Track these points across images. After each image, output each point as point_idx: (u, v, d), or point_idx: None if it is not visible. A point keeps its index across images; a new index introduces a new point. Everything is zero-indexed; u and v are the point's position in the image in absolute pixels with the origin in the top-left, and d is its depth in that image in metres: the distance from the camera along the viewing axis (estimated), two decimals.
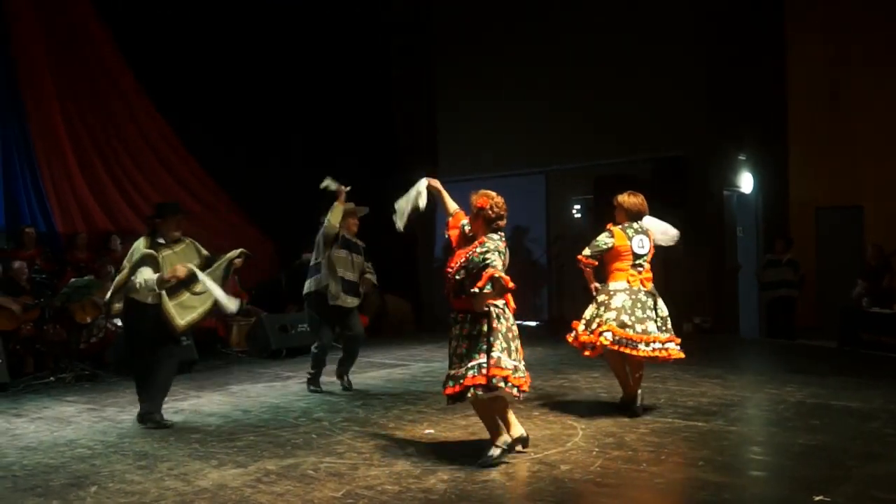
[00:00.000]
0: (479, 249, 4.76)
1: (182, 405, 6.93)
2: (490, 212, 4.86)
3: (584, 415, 6.06)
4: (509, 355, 4.73)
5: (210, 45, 11.50)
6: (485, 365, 4.65)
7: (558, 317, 13.39)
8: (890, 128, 12.00)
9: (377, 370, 8.75)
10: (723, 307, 12.03)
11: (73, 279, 8.79)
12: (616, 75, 12.30)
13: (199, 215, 11.82)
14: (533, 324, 13.28)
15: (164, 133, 11.58)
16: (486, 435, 4.94)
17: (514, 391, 4.74)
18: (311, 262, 7.36)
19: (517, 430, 4.99)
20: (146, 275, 5.81)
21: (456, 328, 4.84)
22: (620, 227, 6.24)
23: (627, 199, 6.40)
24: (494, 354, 4.67)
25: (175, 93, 11.32)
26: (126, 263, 6.00)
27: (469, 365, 4.70)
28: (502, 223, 4.93)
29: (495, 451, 4.76)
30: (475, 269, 4.67)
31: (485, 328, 4.72)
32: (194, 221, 11.71)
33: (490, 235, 4.84)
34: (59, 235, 10.38)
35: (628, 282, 6.02)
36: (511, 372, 4.69)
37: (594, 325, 6.00)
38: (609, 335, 5.81)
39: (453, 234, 5.18)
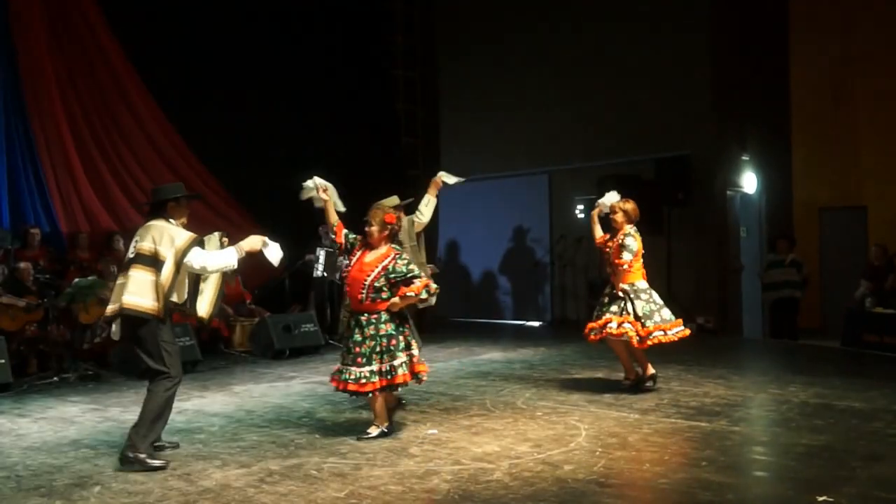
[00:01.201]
0: (400, 261, 5.46)
1: (186, 405, 6.93)
2: (396, 226, 5.65)
3: (587, 415, 6.06)
4: (419, 350, 5.59)
5: (214, 44, 11.48)
6: (408, 362, 5.39)
7: (561, 317, 13.39)
8: (894, 128, 11.98)
9: None
10: (726, 308, 12.02)
11: (76, 279, 8.80)
12: (619, 75, 12.31)
13: (201, 214, 11.85)
14: (536, 324, 13.29)
15: (168, 133, 11.58)
16: (487, 436, 4.97)
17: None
18: None
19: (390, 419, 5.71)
20: (218, 259, 5.17)
21: (370, 329, 5.38)
22: (634, 230, 6.94)
23: (629, 205, 7.03)
24: (415, 352, 5.48)
25: (179, 92, 11.31)
26: (168, 257, 4.98)
27: (395, 363, 5.35)
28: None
29: (374, 431, 5.51)
30: (400, 277, 5.40)
31: (401, 328, 5.45)
32: (197, 221, 11.79)
33: (395, 246, 5.61)
34: (62, 235, 10.39)
35: (644, 279, 6.95)
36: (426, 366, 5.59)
37: (655, 321, 6.76)
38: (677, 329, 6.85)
39: (340, 241, 5.86)
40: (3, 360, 7.80)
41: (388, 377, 5.34)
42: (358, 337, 5.39)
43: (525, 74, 13.45)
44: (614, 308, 6.83)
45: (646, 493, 4.20)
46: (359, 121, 12.93)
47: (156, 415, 5.03)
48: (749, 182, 12.82)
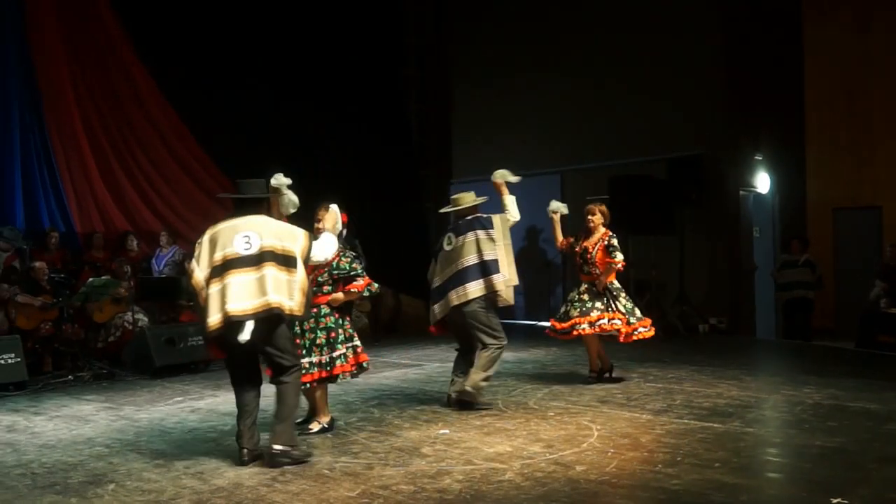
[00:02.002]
0: (344, 258, 5.67)
1: (198, 404, 6.97)
2: (343, 227, 5.77)
3: (599, 415, 6.05)
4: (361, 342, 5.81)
5: (226, 44, 11.55)
6: (351, 353, 5.64)
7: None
8: None
9: (392, 370, 8.77)
10: (739, 308, 11.97)
11: (91, 279, 8.87)
12: (632, 75, 12.27)
13: (216, 217, 11.89)
14: (548, 324, 13.25)
15: (182, 134, 11.65)
16: (499, 436, 5.00)
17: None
18: (479, 259, 6.38)
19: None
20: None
21: (310, 321, 5.52)
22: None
23: (604, 207, 7.54)
24: (358, 342, 5.73)
25: (192, 93, 11.38)
26: (298, 255, 4.92)
27: (335, 355, 5.55)
28: None
29: (315, 426, 5.68)
30: (343, 274, 5.65)
31: (342, 322, 5.67)
32: (211, 222, 11.84)
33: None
34: (77, 235, 10.46)
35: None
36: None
37: (637, 318, 7.20)
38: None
39: None
40: (18, 359, 7.88)
41: (328, 369, 5.52)
42: (298, 329, 5.45)
43: (537, 74, 13.42)
44: (599, 305, 7.15)
45: (658, 495, 4.19)
46: (371, 121, 12.95)
47: (294, 405, 5.10)
48: (762, 182, 12.75)
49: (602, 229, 7.37)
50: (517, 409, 6.40)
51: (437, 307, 6.54)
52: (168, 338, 8.70)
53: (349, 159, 12.25)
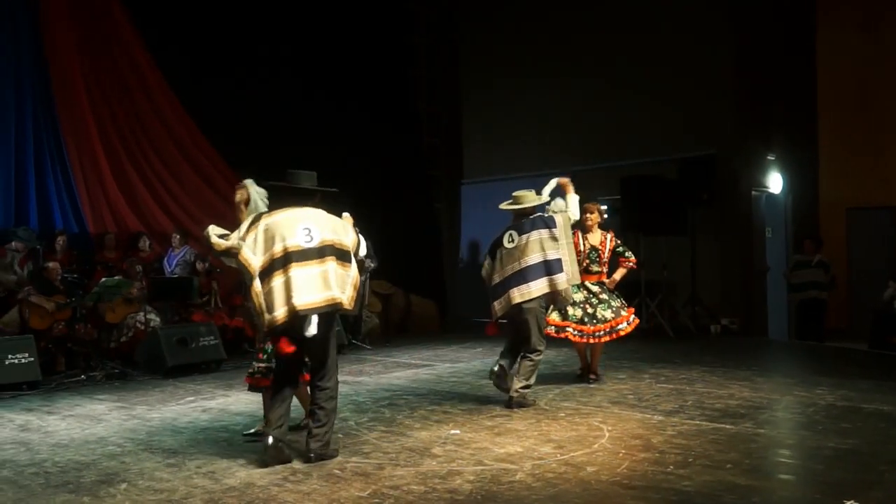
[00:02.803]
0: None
1: (210, 404, 7.00)
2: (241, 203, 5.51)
3: (610, 416, 6.04)
4: None
5: (236, 44, 11.59)
6: None
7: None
8: None
9: (403, 370, 8.77)
10: (751, 309, 11.91)
11: (103, 279, 8.92)
12: (643, 74, 12.23)
13: (227, 217, 11.93)
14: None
15: (193, 134, 11.69)
16: (510, 437, 5.03)
17: None
18: (543, 258, 6.37)
19: None
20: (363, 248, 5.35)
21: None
22: None
23: (602, 208, 7.75)
24: None
25: (204, 93, 11.42)
26: (350, 250, 5.01)
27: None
28: None
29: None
30: None
31: None
32: (222, 223, 11.88)
33: None
34: (90, 236, 10.52)
35: None
36: None
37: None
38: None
39: None
40: (32, 359, 7.92)
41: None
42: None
43: (547, 75, 13.41)
44: (616, 304, 7.35)
45: (669, 496, 4.17)
46: (380, 121, 12.97)
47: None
48: (775, 182, 12.69)
49: (599, 229, 7.52)
50: (528, 409, 6.39)
51: (497, 304, 6.52)
52: (180, 338, 8.73)
53: (359, 159, 12.26)
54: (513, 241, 6.51)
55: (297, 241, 4.80)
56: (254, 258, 4.80)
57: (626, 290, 12.10)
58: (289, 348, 4.82)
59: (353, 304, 4.94)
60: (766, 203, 12.67)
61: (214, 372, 8.73)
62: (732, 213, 11.80)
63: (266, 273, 4.78)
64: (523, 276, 6.38)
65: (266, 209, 5.09)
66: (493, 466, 4.76)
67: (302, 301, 4.71)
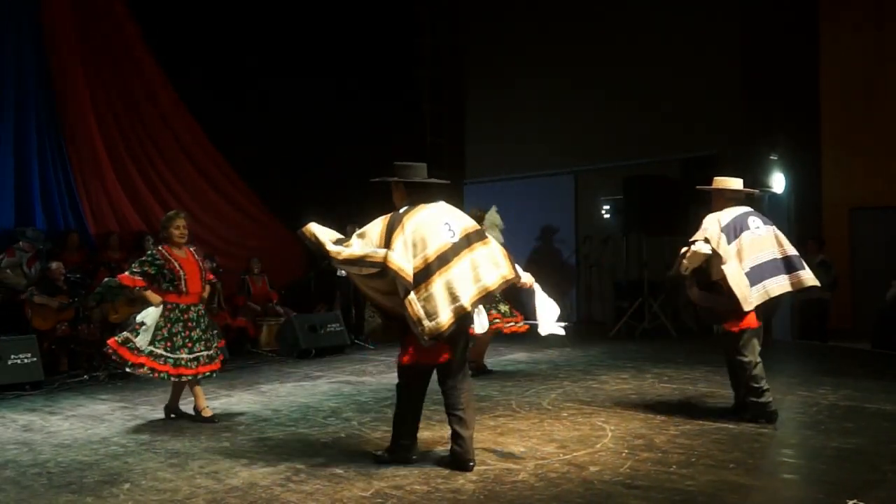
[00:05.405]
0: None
1: (213, 404, 6.98)
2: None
3: (613, 416, 6.03)
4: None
5: (239, 44, 11.60)
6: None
7: (587, 318, 13.34)
8: None
9: None
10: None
11: (106, 279, 8.92)
12: (646, 75, 12.23)
13: (230, 217, 11.95)
14: (562, 324, 13.21)
15: (195, 134, 11.70)
16: (513, 436, 5.07)
17: None
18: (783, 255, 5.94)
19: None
20: None
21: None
22: None
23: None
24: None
25: (207, 94, 11.44)
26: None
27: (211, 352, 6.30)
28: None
29: (209, 413, 6.30)
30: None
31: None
32: (225, 222, 11.90)
33: None
34: (91, 236, 10.53)
35: None
36: None
37: None
38: None
39: None
40: (35, 359, 7.94)
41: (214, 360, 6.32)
42: (193, 316, 6.26)
43: (551, 74, 13.41)
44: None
45: (672, 496, 4.17)
46: (384, 121, 12.98)
47: None
48: (777, 182, 12.67)
49: None
50: (531, 409, 6.39)
51: (753, 291, 5.89)
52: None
53: (361, 159, 12.27)
54: (758, 227, 6.05)
55: (444, 239, 4.59)
56: (407, 265, 4.48)
57: (630, 291, 12.18)
58: (446, 355, 4.68)
59: (512, 268, 4.76)
60: (769, 203, 12.63)
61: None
62: None
63: (422, 278, 4.49)
64: (780, 266, 5.93)
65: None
66: (495, 466, 4.76)
67: (467, 297, 4.52)
